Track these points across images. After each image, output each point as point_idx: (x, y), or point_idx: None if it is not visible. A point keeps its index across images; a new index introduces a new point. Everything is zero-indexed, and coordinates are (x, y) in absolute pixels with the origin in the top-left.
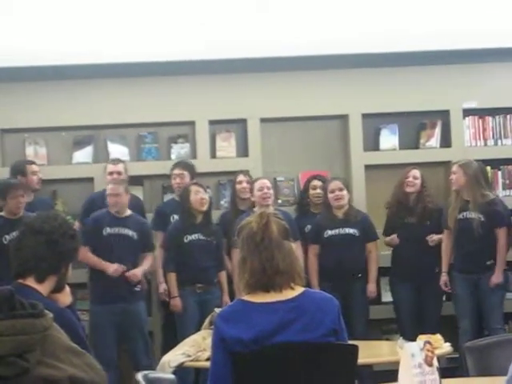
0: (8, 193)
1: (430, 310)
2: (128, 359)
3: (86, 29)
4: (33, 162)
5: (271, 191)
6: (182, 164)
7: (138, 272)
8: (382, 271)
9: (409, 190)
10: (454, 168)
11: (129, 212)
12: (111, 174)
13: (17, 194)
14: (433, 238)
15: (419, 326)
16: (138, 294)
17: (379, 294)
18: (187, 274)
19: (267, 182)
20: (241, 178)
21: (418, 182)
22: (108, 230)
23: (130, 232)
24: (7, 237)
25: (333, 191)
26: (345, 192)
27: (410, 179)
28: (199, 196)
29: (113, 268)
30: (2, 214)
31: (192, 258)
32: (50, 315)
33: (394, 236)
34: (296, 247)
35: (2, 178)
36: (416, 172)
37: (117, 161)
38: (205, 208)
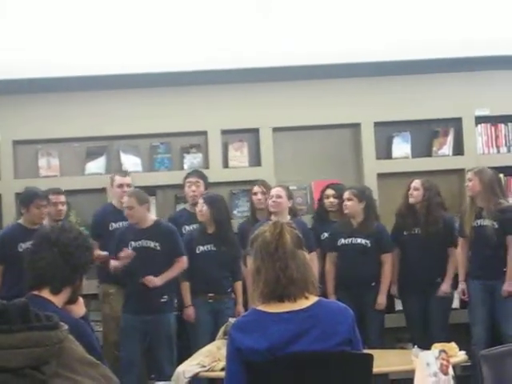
0: (32, 202)
1: (437, 320)
2: (144, 367)
3: (99, 40)
4: (59, 192)
5: (281, 199)
6: (198, 173)
7: (156, 279)
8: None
9: (411, 200)
10: (470, 175)
11: (152, 221)
12: (121, 186)
13: (41, 203)
14: (443, 290)
15: (429, 335)
16: (165, 304)
17: (392, 303)
18: (199, 284)
19: (279, 190)
20: (255, 189)
21: (419, 192)
22: (133, 244)
23: (152, 243)
24: (22, 245)
25: (343, 201)
26: (352, 202)
27: (410, 191)
28: (198, 208)
29: (113, 263)
30: (20, 221)
31: (203, 268)
32: (66, 327)
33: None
34: (312, 258)
35: (29, 187)
36: (416, 182)
37: (124, 173)
38: (203, 219)
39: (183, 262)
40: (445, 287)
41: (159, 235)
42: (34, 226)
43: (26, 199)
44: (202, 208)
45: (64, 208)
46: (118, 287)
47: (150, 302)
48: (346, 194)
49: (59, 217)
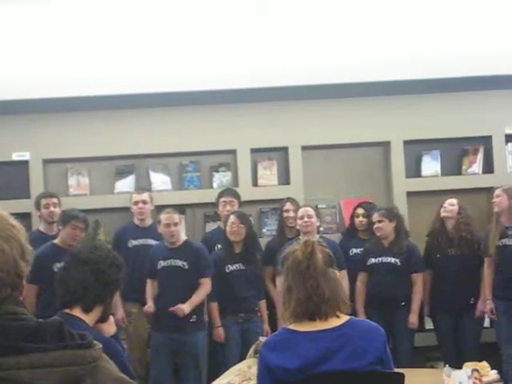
0: (69, 221)
1: (469, 340)
2: None
3: (127, 59)
4: (49, 195)
5: (313, 219)
6: (232, 191)
7: (184, 307)
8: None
9: (444, 214)
10: (498, 191)
11: (182, 240)
12: (136, 203)
13: (77, 225)
14: (481, 311)
15: (461, 354)
16: (194, 324)
17: (423, 321)
18: (229, 304)
19: (309, 210)
20: (288, 206)
21: (454, 208)
22: (162, 264)
23: (180, 262)
24: (58, 265)
25: (373, 223)
26: (383, 223)
27: (446, 205)
28: (231, 227)
29: (147, 305)
30: (55, 241)
31: (233, 287)
32: (100, 346)
33: None
34: (342, 276)
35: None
36: (452, 200)
37: (141, 190)
38: (238, 239)
39: (207, 285)
40: (482, 307)
41: (188, 253)
42: (69, 246)
43: (65, 218)
44: (238, 227)
45: (56, 210)
46: (140, 306)
47: (179, 321)
48: (376, 216)
49: (52, 218)
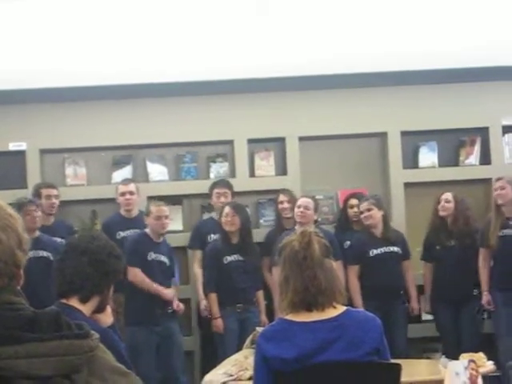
0: (21, 210)
1: (469, 332)
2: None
3: (125, 49)
4: (51, 186)
5: (309, 212)
6: (225, 182)
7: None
8: (421, 290)
9: (442, 213)
10: (501, 183)
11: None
12: (123, 194)
13: (30, 209)
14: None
15: (462, 345)
16: (171, 314)
17: (419, 313)
18: (227, 295)
19: (308, 202)
20: (281, 197)
21: (451, 205)
22: (152, 256)
23: (164, 258)
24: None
25: (362, 212)
26: (373, 211)
27: (442, 203)
28: (225, 218)
29: (169, 294)
30: None
31: (232, 278)
32: (97, 336)
33: None
34: (338, 266)
35: (18, 198)
36: (448, 195)
37: (128, 181)
38: (233, 229)
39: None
40: (487, 298)
41: (168, 251)
42: (31, 234)
43: (16, 210)
44: (232, 217)
45: (56, 201)
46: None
47: (158, 313)
48: (365, 205)
49: (51, 210)
